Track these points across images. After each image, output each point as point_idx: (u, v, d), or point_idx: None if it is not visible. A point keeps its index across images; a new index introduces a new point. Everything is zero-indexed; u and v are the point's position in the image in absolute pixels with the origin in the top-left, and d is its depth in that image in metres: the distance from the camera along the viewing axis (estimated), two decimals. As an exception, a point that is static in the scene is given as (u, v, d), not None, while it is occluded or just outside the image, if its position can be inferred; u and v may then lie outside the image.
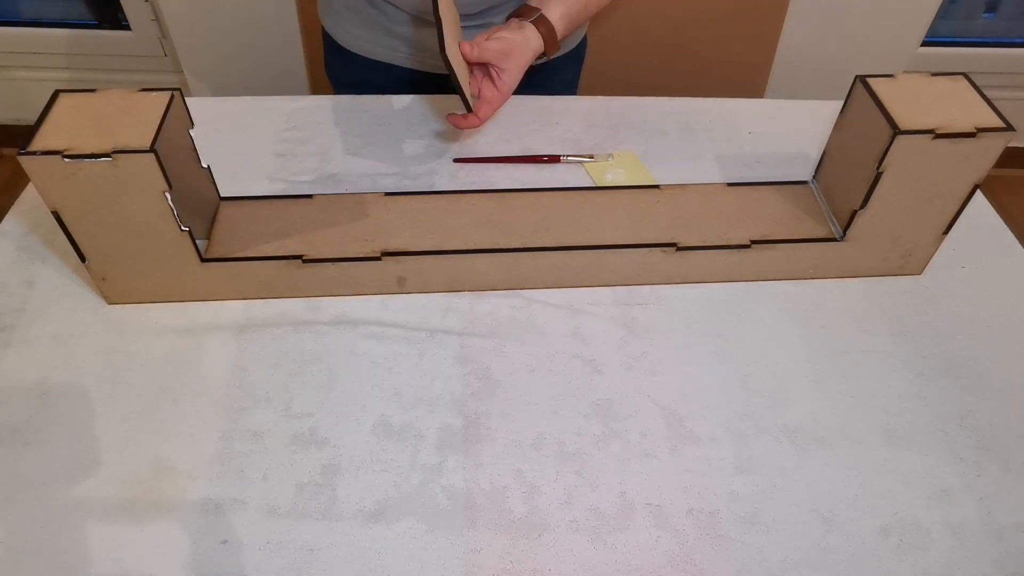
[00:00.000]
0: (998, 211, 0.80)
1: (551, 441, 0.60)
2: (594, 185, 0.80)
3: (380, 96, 0.91)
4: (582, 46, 1.01)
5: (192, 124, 0.66)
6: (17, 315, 0.67)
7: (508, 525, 0.55)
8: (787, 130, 0.88)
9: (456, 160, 0.83)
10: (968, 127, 0.61)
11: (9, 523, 0.54)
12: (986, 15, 1.77)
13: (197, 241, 0.64)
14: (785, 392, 0.63)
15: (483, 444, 0.59)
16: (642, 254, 0.69)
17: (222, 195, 0.72)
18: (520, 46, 0.76)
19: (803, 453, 0.59)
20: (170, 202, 0.60)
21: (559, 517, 0.55)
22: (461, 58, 0.73)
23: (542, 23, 0.78)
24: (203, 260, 0.65)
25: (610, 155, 0.84)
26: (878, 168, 0.63)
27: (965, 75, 0.67)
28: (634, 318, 0.68)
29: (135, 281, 0.66)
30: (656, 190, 0.75)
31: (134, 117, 0.60)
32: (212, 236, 0.69)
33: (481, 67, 0.78)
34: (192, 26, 1.54)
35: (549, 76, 0.97)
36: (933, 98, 0.64)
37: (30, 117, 0.60)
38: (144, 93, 0.62)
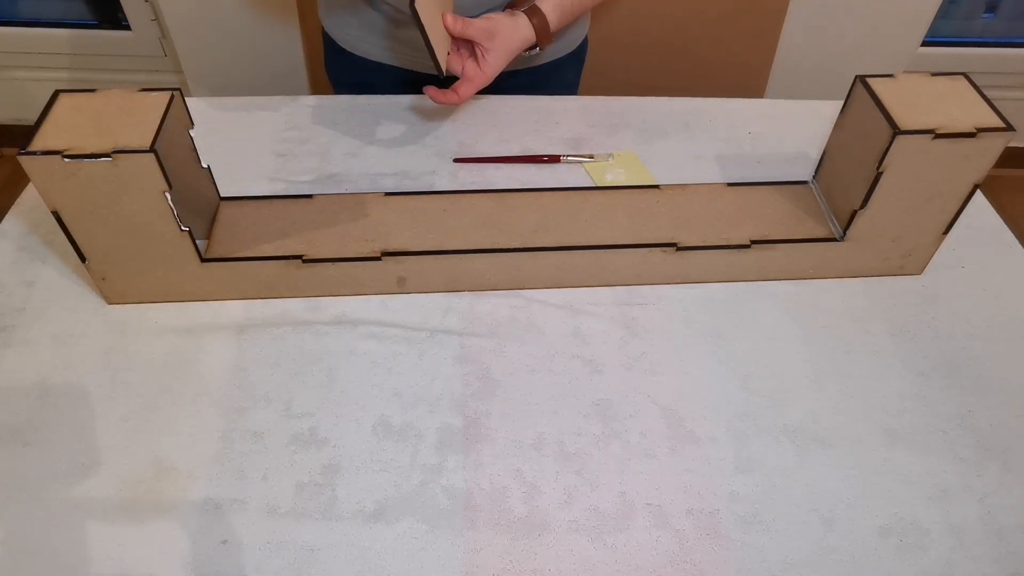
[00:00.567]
0: (998, 211, 0.80)
1: (551, 441, 0.60)
2: (594, 185, 0.80)
3: (380, 96, 0.91)
4: (583, 47, 1.01)
5: (192, 124, 0.66)
6: (17, 315, 0.67)
7: (508, 525, 0.55)
8: (787, 130, 0.88)
9: (456, 160, 0.83)
10: (968, 127, 0.61)
11: (9, 523, 0.54)
12: (986, 15, 1.77)
13: (197, 241, 0.64)
14: (785, 392, 0.63)
15: (483, 444, 0.59)
16: (642, 254, 0.69)
17: (222, 195, 0.72)
18: (508, 29, 0.76)
19: (803, 453, 0.59)
20: (170, 202, 0.60)
21: (559, 517, 0.55)
22: (441, 24, 0.73)
23: (534, 13, 0.78)
24: (203, 260, 0.65)
25: (610, 155, 0.84)
26: (878, 168, 0.63)
27: (965, 75, 0.67)
28: (634, 318, 0.68)
29: (135, 281, 0.66)
30: (656, 190, 0.75)
31: (134, 117, 0.60)
32: (212, 236, 0.69)
33: (467, 46, 0.78)
34: (192, 26, 1.54)
35: (550, 77, 0.97)
36: (933, 98, 0.64)
37: (30, 117, 0.60)
38: (144, 93, 0.62)
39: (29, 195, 0.78)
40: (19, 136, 0.80)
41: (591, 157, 0.83)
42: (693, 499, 0.56)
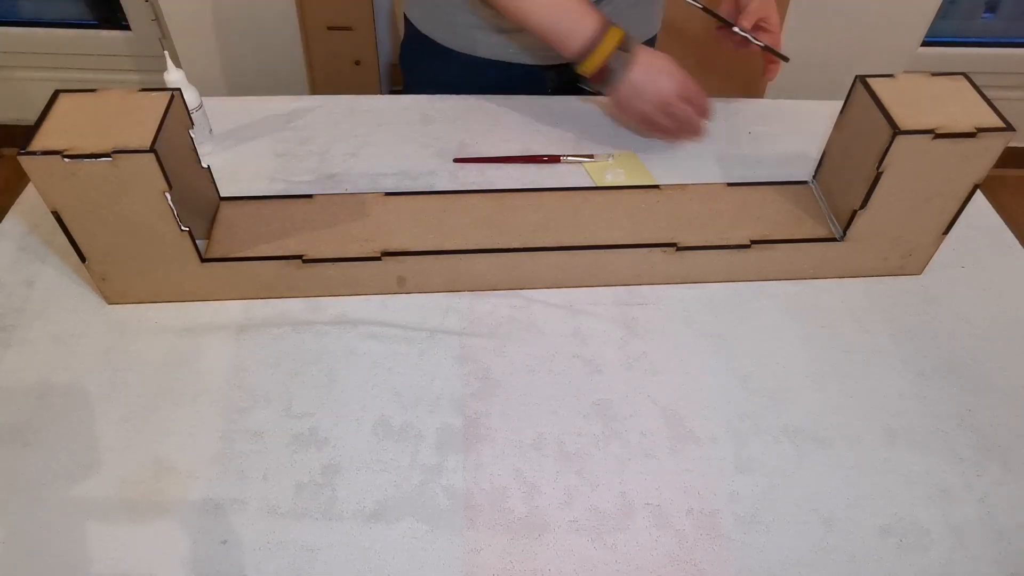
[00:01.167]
0: (998, 211, 0.80)
1: (551, 441, 0.60)
2: (594, 185, 0.80)
3: (380, 96, 0.91)
4: (652, 41, 1.01)
5: (192, 124, 0.66)
6: (17, 315, 0.67)
7: (508, 525, 0.55)
8: (787, 130, 0.88)
9: (456, 160, 0.83)
10: (968, 127, 0.61)
11: (9, 523, 0.54)
12: (986, 15, 1.77)
13: (197, 241, 0.64)
14: (785, 392, 0.63)
15: (483, 444, 0.59)
16: (642, 254, 0.69)
17: (222, 195, 0.72)
18: None
19: (803, 453, 0.59)
20: (170, 202, 0.60)
21: (559, 517, 0.55)
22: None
23: None
24: (203, 260, 0.65)
25: (610, 155, 0.84)
26: (878, 168, 0.63)
27: (965, 75, 0.67)
28: (634, 318, 0.68)
29: (135, 281, 0.66)
30: (656, 190, 0.75)
31: (134, 117, 0.60)
32: (212, 236, 0.69)
33: (754, 29, 0.85)
34: (192, 26, 1.54)
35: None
36: (933, 98, 0.64)
37: (30, 117, 0.60)
38: (144, 93, 0.62)
39: (29, 195, 0.78)
40: (19, 136, 0.80)
41: (591, 157, 0.83)
42: (693, 499, 0.56)
